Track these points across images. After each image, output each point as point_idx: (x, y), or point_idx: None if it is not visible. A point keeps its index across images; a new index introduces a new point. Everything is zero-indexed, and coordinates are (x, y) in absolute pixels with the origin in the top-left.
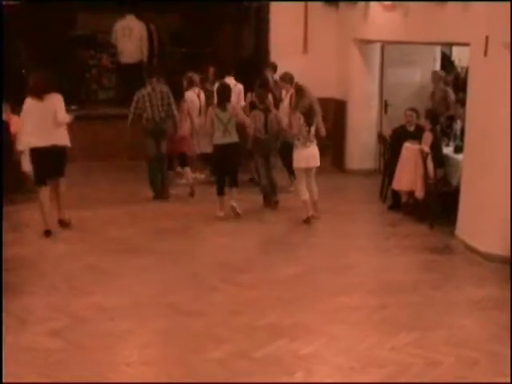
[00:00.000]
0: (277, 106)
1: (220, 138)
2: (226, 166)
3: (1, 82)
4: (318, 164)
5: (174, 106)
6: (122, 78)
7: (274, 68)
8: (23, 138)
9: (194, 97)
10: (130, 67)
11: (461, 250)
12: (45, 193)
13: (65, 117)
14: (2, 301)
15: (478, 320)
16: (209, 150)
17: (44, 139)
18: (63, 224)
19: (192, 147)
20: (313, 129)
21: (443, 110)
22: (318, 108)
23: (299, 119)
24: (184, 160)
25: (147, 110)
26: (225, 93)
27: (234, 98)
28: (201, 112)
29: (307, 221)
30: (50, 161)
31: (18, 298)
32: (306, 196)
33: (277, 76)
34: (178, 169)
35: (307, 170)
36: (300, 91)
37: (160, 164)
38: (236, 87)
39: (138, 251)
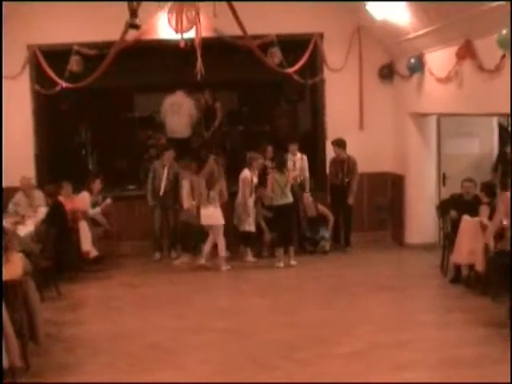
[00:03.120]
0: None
1: (278, 200)
2: (284, 225)
3: None
4: (220, 222)
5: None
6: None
7: (341, 143)
8: None
9: (247, 175)
10: (179, 143)
11: None
12: None
13: None
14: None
15: None
16: (250, 228)
17: None
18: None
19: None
20: (212, 192)
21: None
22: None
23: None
24: None
25: None
26: (282, 159)
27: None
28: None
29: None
30: None
31: (75, 377)
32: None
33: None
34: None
35: (208, 227)
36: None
37: None
38: (303, 160)
39: (195, 329)
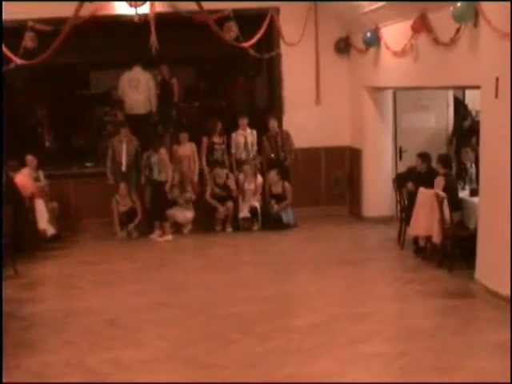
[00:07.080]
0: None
1: (161, 175)
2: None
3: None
4: None
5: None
6: (132, 130)
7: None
8: None
9: None
10: (138, 118)
11: (481, 293)
12: None
13: None
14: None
15: (500, 364)
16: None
17: None
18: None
19: None
20: None
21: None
22: None
23: None
24: None
25: None
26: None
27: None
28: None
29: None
30: None
31: (35, 354)
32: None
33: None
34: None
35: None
36: None
37: None
38: (252, 135)
39: (153, 305)
